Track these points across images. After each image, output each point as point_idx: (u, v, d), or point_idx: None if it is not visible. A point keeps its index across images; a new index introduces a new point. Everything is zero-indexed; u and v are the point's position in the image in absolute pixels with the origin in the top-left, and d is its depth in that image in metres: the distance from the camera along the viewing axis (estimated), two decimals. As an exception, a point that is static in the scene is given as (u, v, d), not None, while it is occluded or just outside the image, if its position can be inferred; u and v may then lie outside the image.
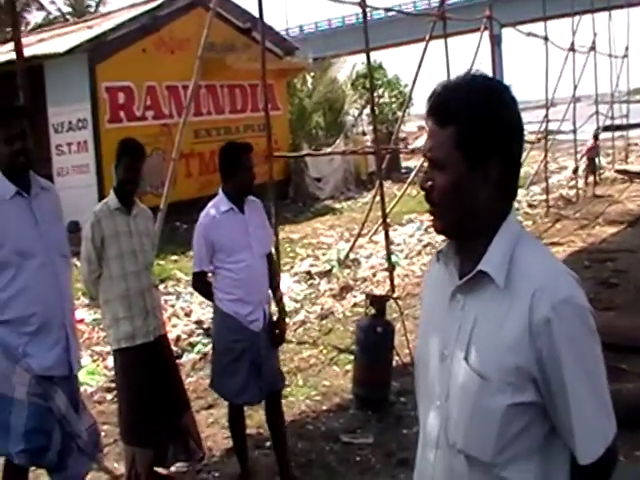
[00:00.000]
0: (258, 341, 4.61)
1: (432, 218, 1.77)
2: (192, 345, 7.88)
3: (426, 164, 1.78)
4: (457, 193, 1.68)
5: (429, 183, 1.72)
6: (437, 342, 1.78)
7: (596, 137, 19.66)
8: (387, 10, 14.00)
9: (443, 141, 1.67)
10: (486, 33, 14.24)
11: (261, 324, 4.65)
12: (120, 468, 5.00)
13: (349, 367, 6.78)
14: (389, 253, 9.83)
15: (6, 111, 4.06)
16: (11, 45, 8.78)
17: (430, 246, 12.48)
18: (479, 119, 1.65)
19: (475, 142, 1.65)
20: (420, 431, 1.87)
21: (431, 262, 1.94)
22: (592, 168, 19.14)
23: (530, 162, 19.21)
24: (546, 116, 17.51)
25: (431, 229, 14.04)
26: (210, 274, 4.76)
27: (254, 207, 4.81)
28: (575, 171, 18.89)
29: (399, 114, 26.67)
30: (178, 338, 7.85)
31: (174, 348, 6.66)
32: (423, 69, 12.73)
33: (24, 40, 7.71)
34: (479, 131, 1.65)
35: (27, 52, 7.98)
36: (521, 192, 17.69)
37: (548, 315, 1.58)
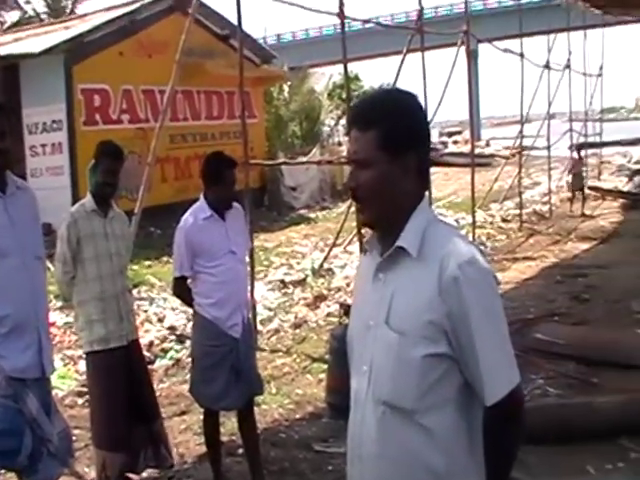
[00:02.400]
0: (237, 346, 4.61)
1: (360, 213, 2.06)
2: (165, 351, 7.82)
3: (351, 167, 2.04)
4: (381, 186, 1.94)
5: (355, 182, 1.98)
6: (364, 317, 2.03)
7: (579, 151, 19.34)
8: (365, 22, 14.00)
9: (366, 143, 1.95)
10: (463, 48, 14.31)
11: (240, 329, 4.66)
12: (91, 473, 4.95)
13: (322, 376, 6.73)
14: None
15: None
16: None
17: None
18: (394, 121, 1.94)
19: (392, 140, 1.93)
20: (352, 399, 2.07)
21: (361, 257, 2.24)
22: (579, 184, 18.08)
23: (504, 177, 19.32)
24: (521, 132, 17.64)
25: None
26: (189, 280, 4.75)
27: (235, 213, 4.83)
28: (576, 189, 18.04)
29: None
30: (151, 344, 7.79)
31: (147, 354, 6.60)
32: (400, 82, 12.75)
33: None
34: (395, 131, 1.93)
35: (2, 51, 7.89)
36: (495, 207, 17.82)
37: (456, 274, 1.83)
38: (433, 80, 13.14)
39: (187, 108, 17.89)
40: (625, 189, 19.87)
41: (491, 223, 15.98)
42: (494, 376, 1.85)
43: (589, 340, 7.43)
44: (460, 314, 1.84)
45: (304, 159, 19.16)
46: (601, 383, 6.32)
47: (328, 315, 9.04)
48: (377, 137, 1.93)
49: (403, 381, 1.89)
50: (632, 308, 8.79)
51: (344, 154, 21.56)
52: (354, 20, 12.09)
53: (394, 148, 1.93)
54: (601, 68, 24.45)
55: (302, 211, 19.65)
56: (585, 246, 13.32)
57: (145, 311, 9.00)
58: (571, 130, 21.89)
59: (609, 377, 6.44)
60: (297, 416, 6.13)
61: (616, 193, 19.36)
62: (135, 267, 10.78)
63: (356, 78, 29.98)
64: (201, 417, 5.03)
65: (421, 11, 12.17)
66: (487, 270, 1.91)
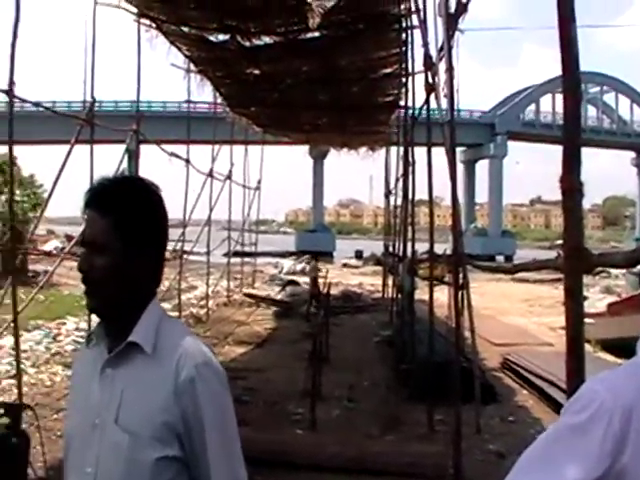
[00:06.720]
0: None
1: (88, 298, 1.94)
2: None
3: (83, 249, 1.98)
4: (114, 273, 1.88)
5: (87, 266, 1.90)
6: (88, 415, 1.90)
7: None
8: (37, 104, 13.40)
9: (102, 228, 1.89)
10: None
11: None
12: None
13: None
14: (19, 359, 9.03)
15: None
16: None
17: (59, 355, 11.89)
18: (136, 210, 1.92)
19: (131, 230, 1.90)
20: None
21: (81, 348, 2.12)
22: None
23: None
24: (183, 234, 17.85)
25: (60, 337, 13.48)
26: None
27: None
28: None
29: (30, 214, 25.49)
30: None
31: None
32: (66, 171, 12.20)
33: None
34: (135, 221, 1.91)
35: None
36: (151, 309, 17.67)
37: (192, 375, 1.82)
38: (99, 173, 12.78)
39: None
40: (278, 297, 21.02)
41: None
42: (222, 478, 1.85)
43: (251, 441, 7.53)
44: (194, 415, 1.82)
45: (-51, 243, 17.51)
46: (263, 480, 6.45)
47: (-23, 416, 8.13)
48: (116, 223, 1.89)
49: None
50: (289, 410, 9.18)
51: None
52: (24, 101, 11.40)
53: (132, 238, 1.90)
54: (259, 182, 25.97)
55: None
56: (242, 350, 13.75)
57: None
58: (229, 238, 22.80)
59: (271, 476, 6.64)
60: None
61: (269, 301, 20.38)
62: None
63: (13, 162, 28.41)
64: None
65: (93, 102, 11.95)
66: (221, 371, 1.92)
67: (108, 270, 1.88)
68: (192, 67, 15.53)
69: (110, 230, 1.88)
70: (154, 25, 12.63)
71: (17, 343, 9.04)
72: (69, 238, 30.20)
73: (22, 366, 10.15)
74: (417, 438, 8.15)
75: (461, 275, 7.86)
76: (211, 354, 1.92)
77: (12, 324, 8.96)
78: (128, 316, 1.90)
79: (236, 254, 24.40)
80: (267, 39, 12.86)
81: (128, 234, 1.90)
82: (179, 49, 13.95)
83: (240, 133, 22.30)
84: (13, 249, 10.44)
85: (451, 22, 7.53)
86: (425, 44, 8.95)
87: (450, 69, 7.34)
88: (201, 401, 1.82)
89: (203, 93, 17.05)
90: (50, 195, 14.80)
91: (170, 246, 18.15)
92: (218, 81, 16.67)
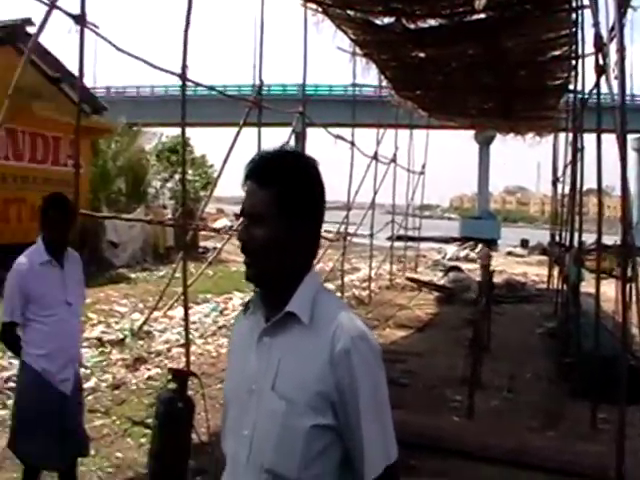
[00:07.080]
0: (66, 403, 4.27)
1: (247, 268, 1.99)
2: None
3: (242, 220, 2.07)
4: (273, 244, 1.92)
5: (247, 236, 1.95)
6: (246, 380, 1.96)
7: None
8: (211, 88, 13.95)
9: (263, 199, 1.92)
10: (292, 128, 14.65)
11: (70, 385, 4.34)
12: None
13: (143, 440, 6.47)
14: (187, 329, 9.53)
15: None
16: None
17: (225, 328, 12.36)
18: (294, 183, 1.94)
19: (291, 202, 1.92)
20: (227, 464, 2.01)
21: (238, 316, 2.19)
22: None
23: (325, 260, 19.67)
24: (347, 217, 18.01)
25: (227, 311, 14.02)
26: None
27: (73, 261, 4.55)
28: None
29: (201, 193, 26.67)
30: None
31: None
32: (234, 154, 12.65)
33: None
34: (294, 193, 1.93)
35: None
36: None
37: (348, 347, 1.84)
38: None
39: (9, 147, 16.92)
40: (441, 283, 20.75)
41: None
42: (374, 450, 1.87)
43: (407, 424, 7.55)
44: (350, 387, 1.85)
45: (129, 217, 18.65)
46: (419, 466, 6.42)
47: (149, 379, 8.73)
48: (276, 195, 1.92)
49: (288, 450, 1.85)
50: (447, 396, 9.10)
51: (169, 216, 21.28)
52: (197, 85, 11.87)
53: (291, 210, 1.93)
54: (423, 167, 25.63)
55: (122, 270, 18.99)
56: (402, 333, 13.70)
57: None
58: (393, 222, 22.76)
59: (426, 461, 6.61)
60: (116, 481, 5.74)
61: (432, 286, 20.14)
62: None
63: (186, 143, 29.76)
64: (14, 475, 4.60)
65: (261, 85, 12.28)
66: (377, 347, 1.94)
67: (266, 240, 1.91)
68: (357, 50, 15.57)
69: (269, 201, 1.91)
70: (320, 9, 12.78)
71: (187, 314, 9.49)
72: (237, 217, 31.31)
73: (190, 336, 10.65)
74: (578, 435, 7.84)
75: (630, 268, 7.46)
76: (367, 329, 1.94)
77: (182, 296, 9.44)
78: (285, 287, 1.94)
79: (399, 238, 24.28)
80: (432, 21, 12.67)
81: (286, 206, 1.92)
82: (345, 32, 14.03)
83: (405, 117, 22.13)
84: (185, 225, 10.99)
85: (623, -1, 7.12)
86: (596, 23, 8.50)
87: (621, 49, 6.93)
88: (357, 373, 1.84)
89: (368, 76, 17.01)
90: (219, 175, 15.44)
91: (334, 228, 18.51)
92: (383, 64, 16.63)
